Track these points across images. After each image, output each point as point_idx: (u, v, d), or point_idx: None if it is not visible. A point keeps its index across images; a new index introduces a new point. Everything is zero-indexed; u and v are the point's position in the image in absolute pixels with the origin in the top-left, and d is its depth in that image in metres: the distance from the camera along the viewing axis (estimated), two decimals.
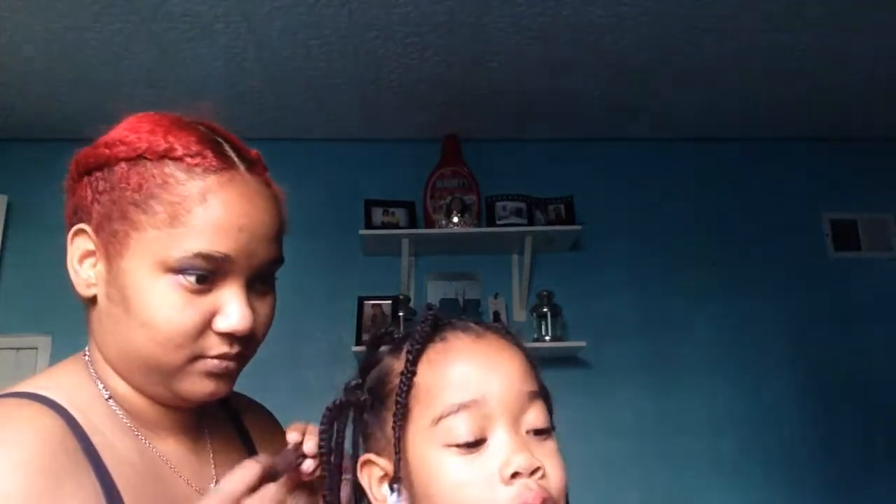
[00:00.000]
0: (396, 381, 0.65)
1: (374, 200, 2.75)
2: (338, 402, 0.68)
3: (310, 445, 0.68)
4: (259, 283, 0.72)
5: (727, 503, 2.53)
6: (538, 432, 0.63)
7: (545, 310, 2.60)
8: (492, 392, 0.62)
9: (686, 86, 2.60)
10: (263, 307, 0.73)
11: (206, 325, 0.67)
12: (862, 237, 2.87)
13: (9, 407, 0.64)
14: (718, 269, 2.80)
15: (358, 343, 2.57)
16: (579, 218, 2.77)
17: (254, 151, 0.75)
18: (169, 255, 0.66)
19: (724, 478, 2.55)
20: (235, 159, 0.72)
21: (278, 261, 0.74)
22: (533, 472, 0.60)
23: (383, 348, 0.72)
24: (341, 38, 2.28)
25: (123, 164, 0.68)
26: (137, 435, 0.71)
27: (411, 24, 2.22)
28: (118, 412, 0.71)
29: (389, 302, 2.65)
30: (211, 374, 0.69)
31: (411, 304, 2.65)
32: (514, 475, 0.59)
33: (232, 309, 0.68)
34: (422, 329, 0.66)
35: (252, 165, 0.73)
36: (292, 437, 0.69)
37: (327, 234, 2.73)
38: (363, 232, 2.63)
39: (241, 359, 0.72)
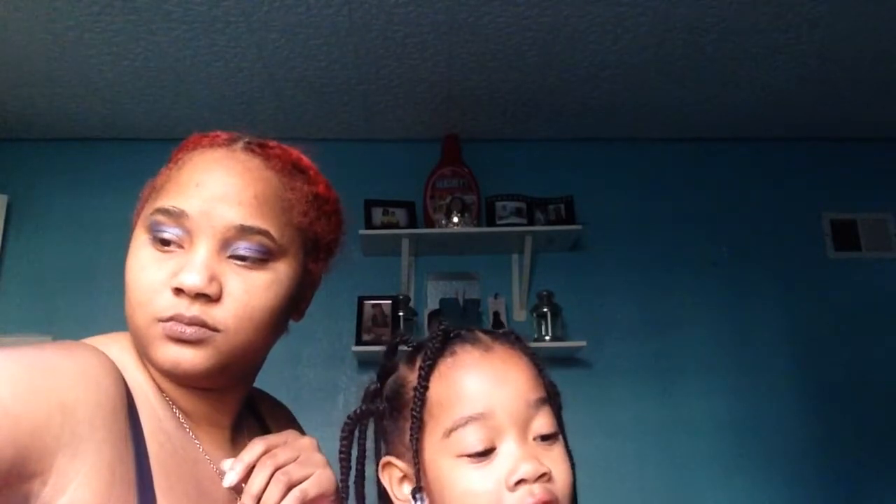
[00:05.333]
0: (411, 393, 0.69)
1: (374, 200, 2.75)
2: (357, 411, 0.72)
3: (236, 470, 0.67)
4: (237, 258, 0.68)
5: (727, 503, 2.53)
6: (545, 438, 0.66)
7: (545, 310, 2.60)
8: (500, 404, 0.65)
9: (686, 86, 2.59)
10: (237, 283, 0.67)
11: (166, 285, 0.67)
12: (862, 237, 2.87)
13: (83, 345, 0.66)
14: (718, 269, 2.80)
15: (358, 343, 2.57)
16: (579, 218, 2.76)
17: (272, 142, 0.76)
18: (144, 216, 0.70)
19: (724, 478, 2.55)
20: (238, 140, 0.74)
21: (254, 230, 0.68)
22: (539, 478, 0.63)
23: (400, 353, 0.76)
24: (341, 38, 2.28)
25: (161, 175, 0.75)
26: (172, 407, 0.69)
27: (411, 24, 2.22)
28: (160, 388, 0.70)
29: (389, 302, 2.65)
30: (170, 338, 0.65)
31: (411, 304, 2.65)
32: (520, 482, 0.62)
33: (184, 264, 0.66)
34: (432, 345, 0.70)
35: (254, 146, 0.74)
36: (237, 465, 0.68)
37: None
38: (363, 232, 2.63)
39: (206, 331, 0.66)
